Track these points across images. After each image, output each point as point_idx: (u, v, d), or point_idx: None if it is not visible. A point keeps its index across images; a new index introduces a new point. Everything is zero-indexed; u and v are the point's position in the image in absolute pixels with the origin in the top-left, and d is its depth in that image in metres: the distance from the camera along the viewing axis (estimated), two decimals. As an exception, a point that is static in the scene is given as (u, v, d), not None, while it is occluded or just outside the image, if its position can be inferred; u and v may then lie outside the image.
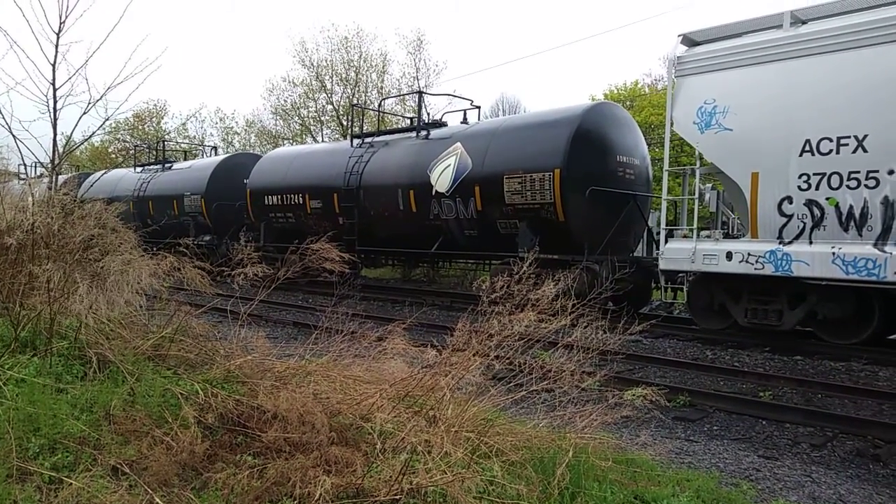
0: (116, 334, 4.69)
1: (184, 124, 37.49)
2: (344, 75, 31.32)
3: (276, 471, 3.23)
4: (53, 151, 6.74)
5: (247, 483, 3.16)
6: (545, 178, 11.68)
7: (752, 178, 9.26)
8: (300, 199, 16.60)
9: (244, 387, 4.19)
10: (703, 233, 10.15)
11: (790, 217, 8.95)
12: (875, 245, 8.28)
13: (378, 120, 19.60)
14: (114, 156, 37.75)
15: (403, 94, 28.82)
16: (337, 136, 30.72)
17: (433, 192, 13.53)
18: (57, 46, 6.01)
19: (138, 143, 31.98)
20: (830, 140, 8.56)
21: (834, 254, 8.53)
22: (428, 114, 19.10)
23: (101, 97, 6.59)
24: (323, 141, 30.51)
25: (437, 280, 20.49)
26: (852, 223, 8.46)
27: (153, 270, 4.74)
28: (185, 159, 25.13)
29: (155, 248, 5.44)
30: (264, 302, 5.90)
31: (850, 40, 8.46)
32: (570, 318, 3.99)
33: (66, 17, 6.00)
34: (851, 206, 8.45)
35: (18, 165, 18.31)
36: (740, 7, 47.73)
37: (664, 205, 10.95)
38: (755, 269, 9.20)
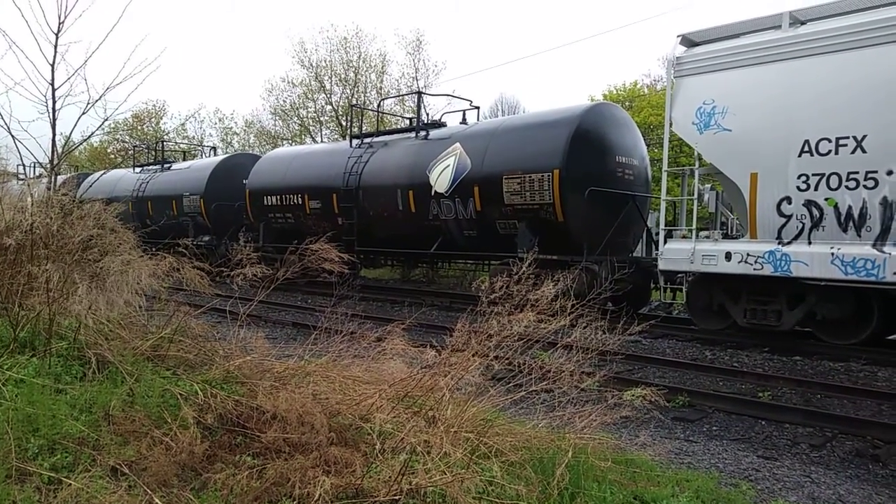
0: (115, 335, 4.69)
1: (183, 125, 37.53)
2: (343, 76, 31.35)
3: (276, 471, 3.23)
4: (52, 152, 6.74)
5: (246, 483, 3.16)
6: (544, 179, 11.68)
7: (750, 178, 9.27)
8: (299, 199, 16.60)
9: (243, 387, 4.18)
10: (703, 233, 10.16)
11: (789, 217, 8.96)
12: (874, 245, 8.29)
13: (377, 120, 19.60)
14: (113, 156, 37.75)
15: (403, 95, 28.86)
16: (336, 136, 30.73)
17: (432, 193, 13.53)
18: (56, 47, 6.01)
19: (137, 143, 31.98)
20: (829, 140, 8.57)
21: (833, 254, 8.54)
22: (427, 114, 19.11)
23: (100, 97, 6.60)
24: (322, 141, 30.51)
25: (437, 280, 20.49)
26: (851, 223, 8.47)
27: (152, 271, 4.74)
28: (184, 160, 25.12)
29: (154, 249, 5.44)
30: (263, 302, 5.90)
31: (850, 41, 8.47)
32: (570, 318, 3.99)
33: (66, 17, 6.00)
34: (850, 207, 8.46)
35: (17, 166, 18.25)
36: (740, 8, 47.78)
37: (663, 205, 10.96)
38: (754, 269, 9.21)
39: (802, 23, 9.16)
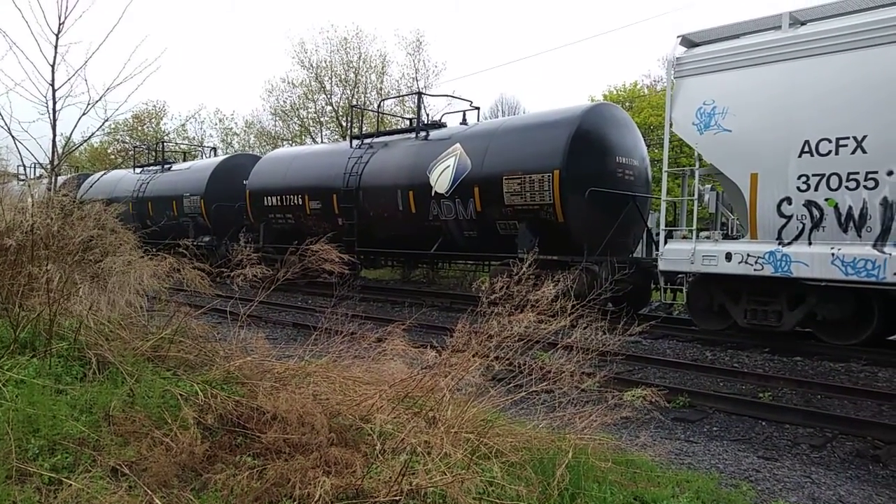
0: (116, 335, 4.69)
1: (183, 125, 37.54)
2: (343, 76, 31.35)
3: (276, 472, 3.23)
4: (53, 152, 6.75)
5: (246, 484, 3.16)
6: (544, 179, 11.68)
7: (751, 178, 9.27)
8: (299, 199, 16.60)
9: (244, 388, 4.19)
10: (703, 234, 10.15)
11: (789, 218, 8.96)
12: (874, 246, 8.29)
13: (377, 121, 19.61)
14: (113, 157, 37.76)
15: (403, 96, 28.86)
16: (336, 136, 30.74)
17: (432, 193, 13.53)
18: (56, 47, 6.02)
19: (137, 144, 31.99)
20: (829, 141, 8.57)
21: (833, 254, 8.54)
22: (427, 114, 19.11)
23: (101, 98, 6.60)
24: (322, 142, 30.53)
25: (437, 281, 20.49)
26: (851, 224, 8.47)
27: (153, 271, 4.74)
28: (185, 160, 25.14)
29: (154, 249, 5.44)
30: (264, 303, 5.90)
31: (850, 41, 8.47)
32: (570, 318, 3.98)
33: (66, 18, 6.01)
34: (850, 207, 8.46)
35: (18, 166, 18.28)
36: (740, 8, 47.79)
37: (663, 206, 10.96)
38: (754, 269, 9.21)
39: (802, 23, 9.16)
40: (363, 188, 15.01)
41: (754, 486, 4.52)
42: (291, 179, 16.97)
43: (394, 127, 21.10)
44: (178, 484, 3.21)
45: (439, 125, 15.67)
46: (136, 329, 5.04)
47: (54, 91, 6.20)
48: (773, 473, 4.85)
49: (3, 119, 6.41)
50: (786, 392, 7.32)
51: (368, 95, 31.17)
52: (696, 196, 10.31)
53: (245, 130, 38.14)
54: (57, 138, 6.60)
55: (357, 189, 15.07)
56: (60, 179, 13.63)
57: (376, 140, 16.03)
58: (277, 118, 34.25)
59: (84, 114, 6.71)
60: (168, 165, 23.19)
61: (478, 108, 16.02)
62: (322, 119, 32.59)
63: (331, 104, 31.89)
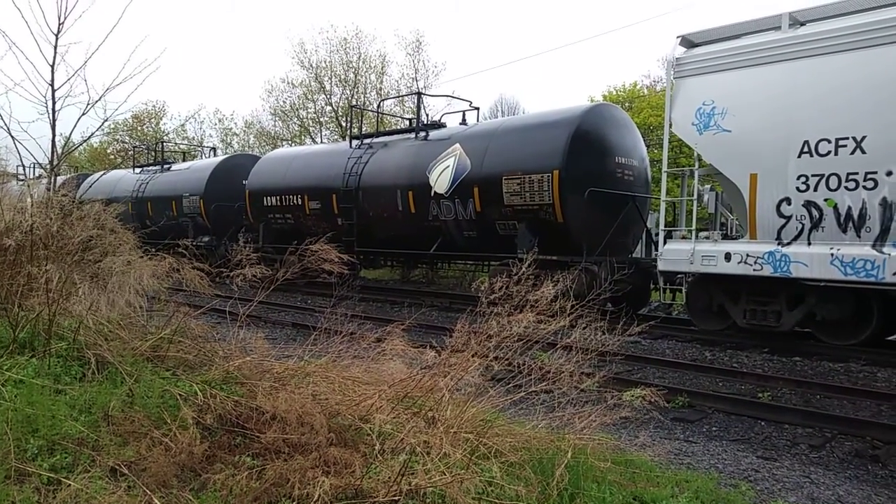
0: (115, 335, 4.69)
1: (183, 125, 37.53)
2: (343, 76, 31.35)
3: (275, 472, 3.23)
4: (52, 152, 6.74)
5: (245, 484, 3.16)
6: (544, 179, 11.68)
7: (750, 179, 9.27)
8: (299, 200, 16.60)
9: (243, 388, 4.18)
10: (702, 234, 10.16)
11: (789, 218, 8.96)
12: (873, 246, 8.29)
13: (377, 121, 19.61)
14: (112, 157, 37.75)
15: (402, 96, 28.86)
16: (336, 137, 30.73)
17: (432, 193, 13.53)
18: (56, 47, 6.02)
19: (137, 144, 31.98)
20: (829, 141, 8.57)
21: (832, 255, 8.54)
22: (427, 115, 19.13)
23: (100, 98, 6.60)
24: (322, 142, 30.53)
25: (436, 281, 20.49)
26: (851, 224, 8.48)
27: (153, 271, 4.74)
28: (184, 160, 25.13)
29: (153, 250, 5.44)
30: (263, 303, 5.90)
31: (849, 42, 8.47)
32: (569, 319, 3.98)
33: (65, 18, 6.01)
34: (850, 208, 8.47)
35: (17, 166, 18.27)
36: (740, 9, 47.82)
37: (663, 206, 10.96)
38: (754, 270, 9.21)
39: (802, 24, 9.16)
40: (363, 188, 15.01)
41: (753, 486, 4.52)
42: (291, 179, 16.97)
43: (393, 127, 21.11)
44: (177, 484, 3.21)
45: (439, 125, 15.67)
46: (136, 329, 5.04)
47: (54, 91, 6.20)
48: (772, 473, 4.85)
49: (2, 119, 6.41)
50: (785, 392, 7.33)
51: (368, 96, 31.19)
52: (695, 196, 10.31)
53: (244, 130, 38.17)
54: (56, 138, 6.60)
55: (356, 189, 15.07)
56: (60, 179, 13.63)
57: (376, 140, 16.03)
58: (277, 118, 34.27)
59: (83, 114, 6.71)
60: (167, 165, 23.19)
61: (477, 109, 16.04)
62: (322, 119, 32.60)
63: (330, 104, 31.90)
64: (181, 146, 30.58)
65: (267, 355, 4.73)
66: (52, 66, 6.07)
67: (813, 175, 8.72)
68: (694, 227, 10.11)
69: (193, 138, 36.78)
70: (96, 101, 6.59)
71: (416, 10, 60.59)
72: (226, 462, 3.45)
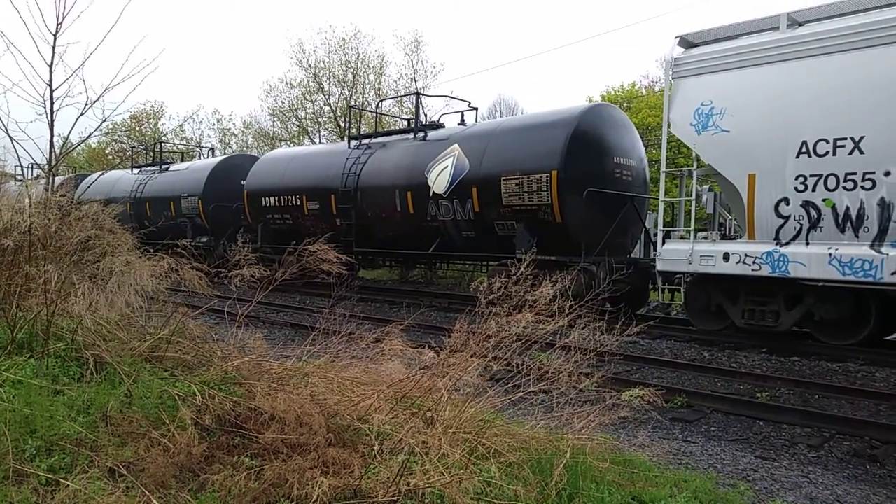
0: (113, 336, 4.68)
1: (181, 126, 37.51)
2: (341, 77, 31.35)
3: (274, 472, 3.22)
4: (50, 153, 6.74)
5: (244, 484, 3.15)
6: (542, 180, 11.69)
7: (748, 179, 9.28)
8: (297, 200, 16.59)
9: (241, 388, 4.18)
10: (701, 234, 10.16)
11: (787, 218, 8.97)
12: (872, 246, 8.30)
13: (375, 121, 19.60)
14: (111, 157, 37.73)
15: (401, 96, 28.86)
16: (334, 137, 30.74)
17: (431, 194, 13.53)
18: (54, 47, 6.01)
19: (135, 144, 31.95)
20: (827, 142, 8.58)
21: (831, 255, 8.55)
22: (425, 115, 19.13)
23: (99, 98, 6.58)
24: (320, 142, 30.52)
25: (435, 281, 20.49)
26: (849, 224, 8.48)
27: (152, 272, 4.73)
28: (183, 161, 25.11)
29: (152, 250, 5.43)
30: (261, 303, 5.89)
31: (848, 42, 8.48)
32: (568, 319, 3.98)
33: (64, 18, 5.99)
34: (848, 208, 8.47)
35: (15, 167, 18.28)
36: (738, 10, 47.85)
37: (661, 206, 10.96)
38: (752, 270, 9.22)
39: (800, 24, 9.17)
40: (361, 188, 15.00)
41: (752, 486, 4.53)
42: (289, 180, 16.96)
43: (392, 127, 21.11)
44: (175, 484, 3.21)
45: (437, 125, 15.67)
46: (134, 329, 5.03)
47: (52, 91, 6.19)
48: (770, 473, 4.85)
49: (0, 119, 6.40)
50: (783, 392, 7.33)
51: (366, 96, 31.19)
52: (693, 196, 10.32)
53: (243, 131, 38.17)
54: (54, 139, 6.59)
55: (355, 189, 15.07)
56: (58, 180, 13.61)
57: (374, 140, 16.02)
58: (275, 118, 34.27)
59: (82, 114, 6.70)
60: (166, 166, 23.17)
61: (476, 109, 16.03)
62: (320, 119, 32.60)
63: (329, 105, 31.91)
64: (179, 146, 30.57)
65: (265, 356, 4.73)
66: (51, 67, 6.07)
67: (811, 175, 8.73)
68: (692, 227, 10.12)
69: (192, 138, 36.78)
70: (94, 102, 6.58)
71: (414, 11, 60.61)
72: (224, 462, 3.45)
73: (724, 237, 10.15)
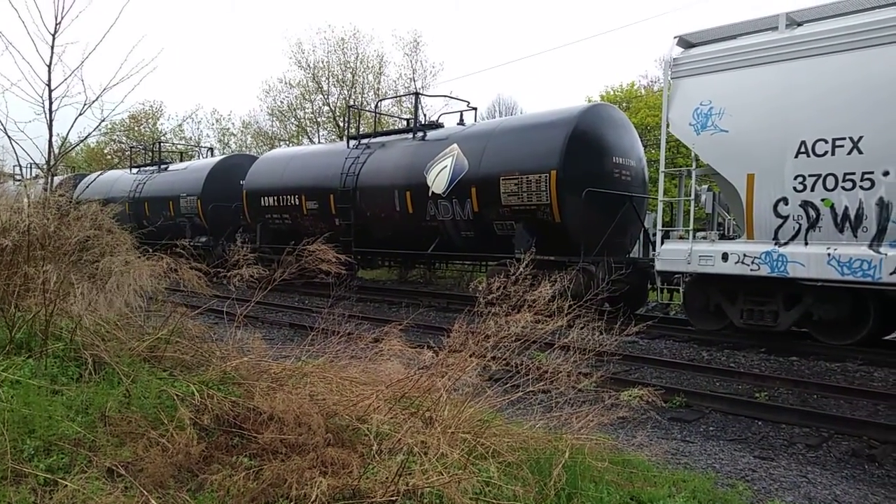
0: (112, 336, 4.68)
1: (180, 125, 37.50)
2: (340, 76, 31.36)
3: (273, 472, 3.22)
4: (49, 153, 6.73)
5: (243, 484, 3.15)
6: (542, 180, 11.69)
7: (747, 179, 9.28)
8: (296, 200, 16.58)
9: (240, 388, 4.18)
10: (699, 234, 10.17)
11: (786, 218, 8.98)
12: (870, 246, 8.31)
13: (374, 121, 19.60)
14: (109, 157, 37.73)
15: (400, 96, 28.86)
16: (333, 137, 30.74)
17: (430, 194, 13.53)
18: (52, 47, 6.00)
19: (134, 144, 31.93)
20: (826, 141, 8.59)
21: (829, 255, 8.56)
22: (424, 115, 19.12)
23: (97, 98, 6.58)
24: (319, 142, 30.51)
25: (434, 281, 20.48)
26: (847, 224, 8.49)
27: (151, 271, 4.73)
28: (182, 160, 25.09)
29: (151, 250, 5.43)
30: (260, 303, 5.89)
31: (846, 42, 8.49)
32: (567, 319, 3.99)
33: (62, 18, 5.99)
34: (847, 208, 8.48)
35: (14, 167, 18.29)
36: (737, 10, 47.88)
37: (660, 206, 10.97)
38: (751, 270, 9.22)
39: (799, 24, 9.18)
40: (360, 188, 15.00)
41: (750, 486, 4.53)
42: (288, 180, 16.95)
43: (391, 127, 21.10)
44: (174, 485, 3.21)
45: (436, 125, 15.67)
46: (133, 329, 5.03)
47: (51, 91, 6.19)
48: (769, 473, 4.86)
49: (-1, 119, 6.39)
50: (782, 392, 7.34)
51: (366, 96, 31.19)
52: (692, 196, 10.33)
53: (242, 131, 38.16)
54: (53, 138, 6.58)
55: (354, 189, 15.06)
56: (57, 180, 13.59)
57: (373, 140, 16.02)
58: (274, 118, 34.26)
59: (80, 114, 6.70)
60: (165, 166, 23.16)
61: (475, 109, 16.04)
62: (319, 119, 32.60)
63: (328, 104, 31.90)
64: (178, 146, 30.56)
65: (264, 356, 4.73)
66: (49, 66, 6.06)
67: (810, 175, 8.74)
68: (691, 227, 10.12)
69: (191, 138, 36.76)
70: (93, 102, 6.58)
71: (413, 11, 60.61)
72: (223, 462, 3.45)
73: (722, 237, 10.15)
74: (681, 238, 10.29)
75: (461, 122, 15.06)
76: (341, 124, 29.53)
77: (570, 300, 4.07)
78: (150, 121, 38.96)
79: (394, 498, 3.04)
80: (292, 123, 33.53)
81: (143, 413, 3.73)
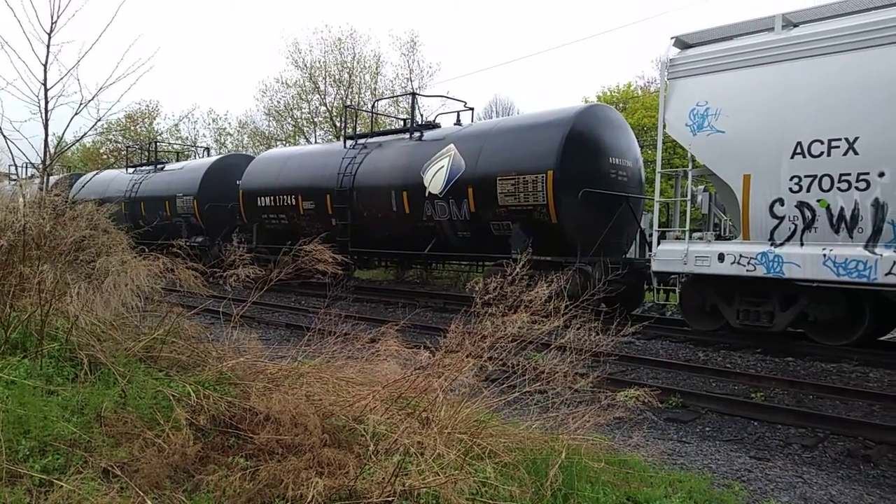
0: (108, 336, 4.67)
1: (176, 125, 37.44)
2: (337, 76, 31.34)
3: (269, 473, 3.22)
4: (45, 152, 6.71)
5: (239, 485, 3.15)
6: (538, 180, 11.70)
7: (743, 180, 9.30)
8: (293, 200, 16.56)
9: (236, 388, 4.17)
10: (696, 234, 10.18)
11: (782, 219, 8.99)
12: (866, 247, 8.33)
13: (371, 121, 19.59)
14: (105, 157, 37.65)
15: (397, 96, 28.85)
16: (330, 137, 30.73)
17: (426, 194, 13.53)
18: (48, 46, 5.99)
19: (130, 143, 31.86)
20: (822, 142, 8.61)
21: (825, 255, 8.58)
22: (421, 115, 19.09)
23: (93, 98, 6.57)
24: (316, 142, 30.48)
25: (431, 282, 20.48)
26: (843, 225, 8.51)
27: (149, 271, 4.72)
28: (178, 160, 25.05)
29: (147, 250, 5.42)
30: (257, 303, 5.89)
31: (842, 43, 8.51)
32: (563, 319, 3.99)
33: (58, 16, 5.98)
34: (842, 208, 8.50)
35: (9, 166, 18.19)
36: (735, 11, 47.99)
37: (657, 206, 10.99)
38: (747, 270, 9.24)
39: (795, 25, 9.20)
40: (357, 188, 14.99)
41: (746, 486, 4.54)
42: (285, 180, 16.94)
43: (388, 127, 21.09)
44: (170, 485, 3.20)
45: (433, 126, 15.66)
46: (129, 329, 5.01)
47: (46, 90, 6.17)
48: (765, 473, 4.87)
49: (-6, 118, 6.37)
50: (778, 392, 7.35)
51: (362, 96, 31.19)
52: (689, 197, 10.34)
53: (238, 130, 38.11)
54: (49, 138, 6.57)
55: (351, 189, 15.05)
56: (52, 179, 13.56)
57: (370, 140, 16.01)
58: (271, 118, 34.24)
59: (76, 113, 6.69)
60: (161, 165, 23.11)
61: (472, 109, 16.03)
62: (316, 119, 32.58)
63: (325, 104, 31.89)
64: (175, 146, 30.51)
65: (261, 356, 4.72)
66: (45, 66, 6.05)
67: (806, 176, 8.76)
68: (687, 227, 10.14)
69: (187, 138, 36.70)
70: (89, 101, 6.57)
71: (409, 11, 60.62)
72: (219, 463, 3.44)
73: (719, 238, 10.17)
74: (677, 239, 10.31)
75: (458, 123, 15.06)
76: (338, 124, 29.52)
77: (566, 301, 4.08)
78: (146, 120, 38.91)
79: (390, 498, 3.04)
80: (289, 123, 33.52)
81: (138, 413, 3.73)
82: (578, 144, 11.74)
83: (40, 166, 7.07)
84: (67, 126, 6.93)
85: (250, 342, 4.88)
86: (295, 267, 4.98)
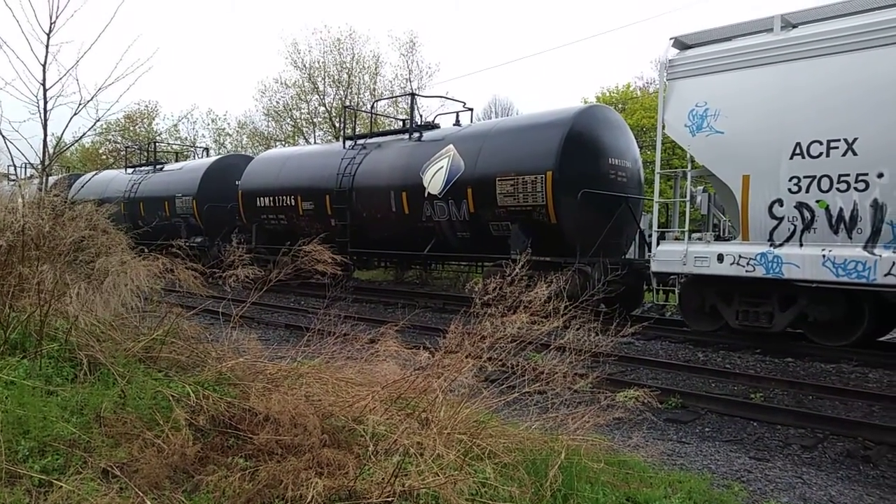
0: (107, 336, 4.67)
1: (175, 125, 37.40)
2: (336, 77, 31.33)
3: (268, 473, 3.22)
4: (44, 152, 6.71)
5: (238, 485, 3.14)
6: (537, 181, 11.70)
7: (742, 180, 9.30)
8: (292, 200, 16.56)
9: (236, 389, 4.17)
10: (695, 235, 10.19)
11: (781, 219, 9.00)
12: (865, 247, 8.33)
13: (370, 122, 19.59)
14: (104, 157, 37.63)
15: (396, 97, 28.85)
16: (329, 137, 30.71)
17: (426, 194, 13.52)
18: (47, 47, 5.99)
19: (129, 144, 31.85)
20: (821, 143, 8.61)
21: (824, 256, 8.58)
22: (420, 116, 19.10)
23: (92, 98, 6.58)
24: (315, 142, 30.48)
25: (430, 282, 20.48)
26: (842, 226, 8.51)
27: (147, 272, 4.72)
28: (177, 161, 25.04)
29: (146, 250, 5.42)
30: (256, 304, 5.90)
31: (841, 44, 8.51)
32: (563, 319, 3.99)
33: (57, 17, 5.98)
34: (841, 209, 8.50)
35: (8, 167, 18.17)
36: (734, 12, 48.04)
37: (656, 207, 11.00)
38: (746, 271, 9.24)
39: (794, 26, 9.21)
40: (356, 189, 14.99)
41: (746, 487, 4.54)
42: (284, 180, 16.93)
43: (387, 128, 21.09)
44: (169, 485, 3.20)
45: (433, 126, 15.66)
46: (128, 330, 5.01)
47: (45, 90, 6.18)
48: (764, 474, 4.87)
49: (-7, 119, 6.37)
50: (777, 393, 7.35)
51: (361, 96, 31.18)
52: (688, 198, 10.35)
53: (238, 131, 38.09)
54: (48, 138, 6.57)
55: (350, 190, 15.05)
56: (51, 180, 13.57)
57: (369, 141, 16.01)
58: (270, 119, 34.22)
59: (75, 114, 6.69)
60: (160, 166, 23.10)
61: (471, 110, 16.04)
62: (315, 120, 32.57)
63: (324, 105, 31.88)
64: (174, 146, 30.48)
65: (260, 356, 4.72)
66: (44, 66, 6.05)
67: (805, 177, 8.76)
68: (687, 228, 10.14)
69: (186, 139, 36.68)
70: (88, 101, 6.57)
71: (409, 11, 60.62)
72: (218, 463, 3.44)
73: (718, 238, 10.17)
74: (676, 239, 10.31)
75: (457, 123, 15.05)
76: (337, 125, 29.50)
77: (565, 301, 4.08)
78: (145, 121, 38.90)
79: (390, 499, 3.03)
80: (288, 124, 33.51)
81: (138, 414, 3.72)
82: (578, 145, 11.75)
83: (39, 167, 7.07)
84: (66, 126, 6.94)
85: (250, 342, 4.87)
86: (294, 267, 4.97)
